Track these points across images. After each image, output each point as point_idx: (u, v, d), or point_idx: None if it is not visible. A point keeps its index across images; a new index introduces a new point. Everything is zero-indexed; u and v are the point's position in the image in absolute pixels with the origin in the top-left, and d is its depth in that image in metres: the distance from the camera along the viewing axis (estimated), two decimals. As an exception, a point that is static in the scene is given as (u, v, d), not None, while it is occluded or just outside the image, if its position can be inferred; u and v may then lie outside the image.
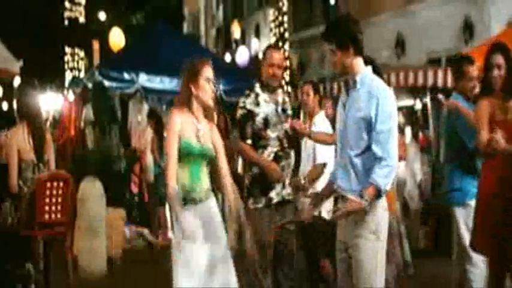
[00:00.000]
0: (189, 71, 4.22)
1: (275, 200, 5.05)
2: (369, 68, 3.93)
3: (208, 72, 4.20)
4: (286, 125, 5.15)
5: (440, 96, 9.52)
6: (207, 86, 4.18)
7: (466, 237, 5.22)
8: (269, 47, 5.40)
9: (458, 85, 5.53)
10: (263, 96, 5.12)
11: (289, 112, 5.23)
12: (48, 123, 13.21)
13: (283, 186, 5.08)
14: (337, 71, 3.96)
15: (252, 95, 5.12)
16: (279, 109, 5.15)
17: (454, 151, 5.47)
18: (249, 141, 5.08)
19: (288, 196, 5.13)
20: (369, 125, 3.79)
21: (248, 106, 5.08)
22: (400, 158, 10.45)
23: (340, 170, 3.93)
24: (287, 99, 5.32)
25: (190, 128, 4.18)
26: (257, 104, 5.08)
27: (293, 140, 5.25)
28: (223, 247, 4.20)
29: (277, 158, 5.08)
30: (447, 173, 5.55)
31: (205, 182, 4.25)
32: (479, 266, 5.25)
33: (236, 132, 5.18)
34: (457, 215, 5.39)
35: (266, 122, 5.07)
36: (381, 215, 3.85)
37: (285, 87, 16.25)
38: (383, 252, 3.88)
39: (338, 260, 4.01)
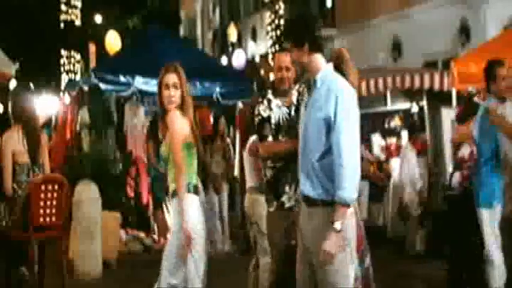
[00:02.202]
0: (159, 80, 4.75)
1: (287, 205, 5.05)
2: (330, 65, 3.78)
3: (166, 78, 4.68)
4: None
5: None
6: (166, 92, 4.66)
7: (490, 240, 5.31)
8: (276, 51, 5.41)
9: (491, 88, 5.68)
10: (275, 102, 5.12)
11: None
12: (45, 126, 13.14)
13: (296, 191, 5.06)
14: (298, 71, 3.84)
15: (265, 102, 5.13)
16: (293, 111, 5.13)
17: (489, 153, 5.58)
18: (270, 138, 5.05)
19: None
20: (328, 126, 3.59)
21: (262, 112, 5.10)
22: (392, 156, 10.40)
23: (302, 175, 3.73)
24: (302, 90, 5.22)
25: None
26: (270, 109, 5.10)
27: None
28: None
29: (288, 161, 5.05)
30: (479, 176, 5.63)
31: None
32: (499, 268, 5.34)
33: (256, 140, 5.15)
34: (483, 217, 5.46)
35: (277, 127, 5.07)
36: (348, 223, 3.62)
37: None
38: (351, 260, 3.68)
39: (301, 272, 3.82)
